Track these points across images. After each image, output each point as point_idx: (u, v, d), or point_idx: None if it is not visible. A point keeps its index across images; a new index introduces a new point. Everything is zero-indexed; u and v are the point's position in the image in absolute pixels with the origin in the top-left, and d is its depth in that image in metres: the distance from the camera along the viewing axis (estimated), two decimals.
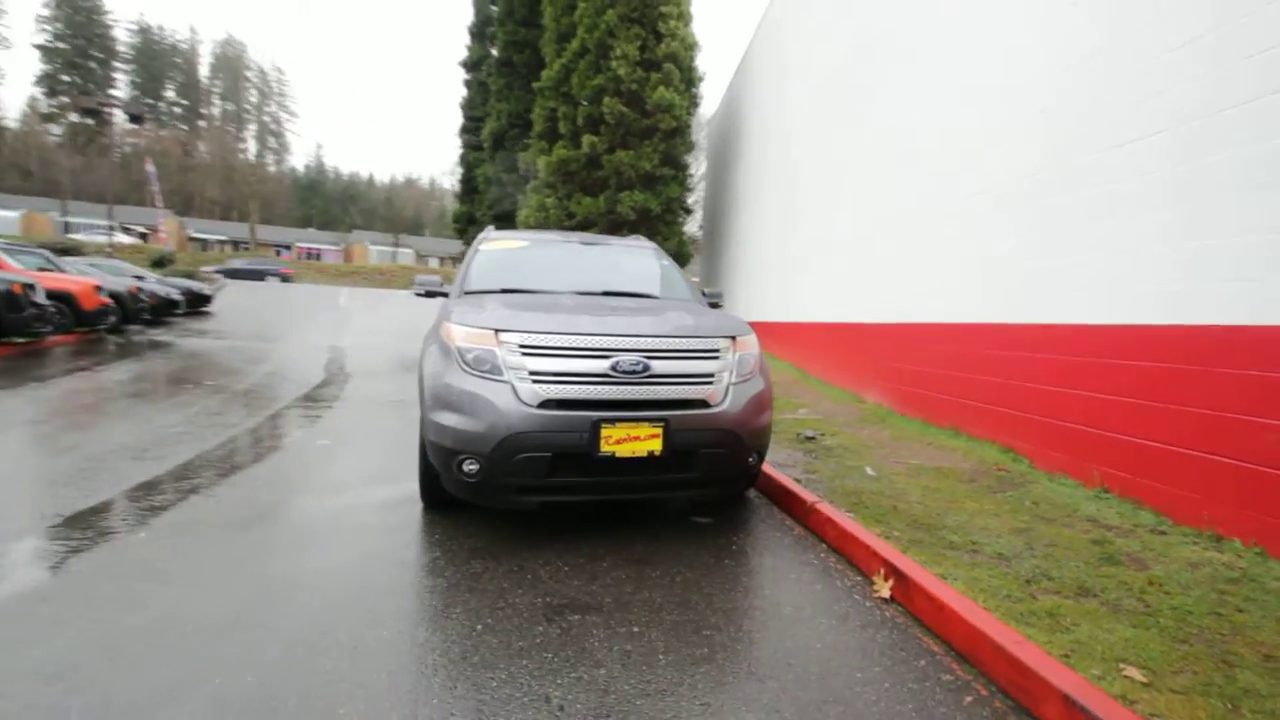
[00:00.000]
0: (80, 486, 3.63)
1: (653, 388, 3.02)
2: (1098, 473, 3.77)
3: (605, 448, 2.88)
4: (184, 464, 4.20)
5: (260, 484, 3.91)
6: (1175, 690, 1.90)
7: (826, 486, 3.94)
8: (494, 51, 21.97)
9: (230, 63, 61.07)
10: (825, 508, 3.41)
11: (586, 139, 14.32)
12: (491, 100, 18.79)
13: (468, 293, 4.04)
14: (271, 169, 59.08)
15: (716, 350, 3.23)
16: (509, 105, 18.04)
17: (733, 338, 3.33)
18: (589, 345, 3.00)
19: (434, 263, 55.41)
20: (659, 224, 14.95)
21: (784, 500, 3.81)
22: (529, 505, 3.16)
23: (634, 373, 2.98)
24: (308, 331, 14.26)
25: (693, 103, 15.01)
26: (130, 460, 4.21)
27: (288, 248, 34.75)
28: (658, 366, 3.03)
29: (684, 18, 14.73)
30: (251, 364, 9.16)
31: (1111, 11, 3.91)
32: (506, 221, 18.47)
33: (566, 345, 2.99)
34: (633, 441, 2.91)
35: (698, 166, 19.77)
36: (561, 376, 2.95)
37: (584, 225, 14.60)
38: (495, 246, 4.60)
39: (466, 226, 22.16)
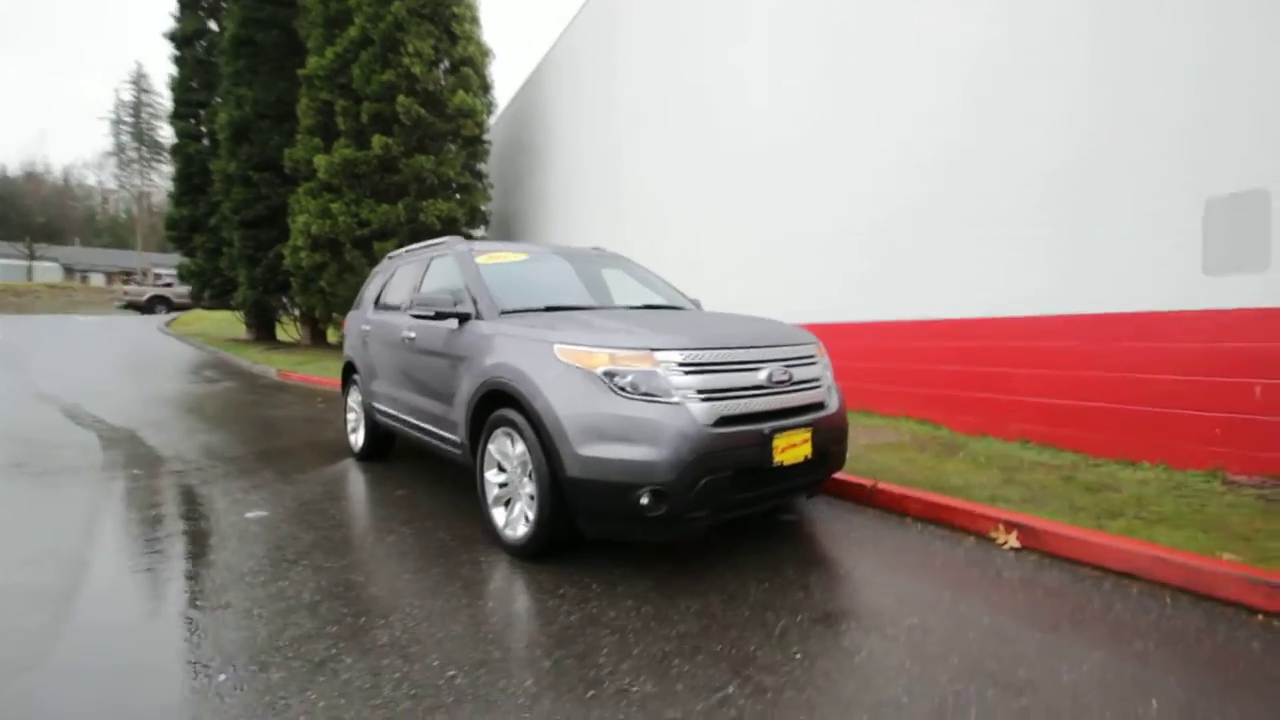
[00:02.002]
0: None
1: (794, 395, 3.14)
2: (1016, 429, 4.94)
3: (777, 457, 2.92)
4: (105, 576, 2.92)
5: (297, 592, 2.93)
6: (1260, 562, 2.75)
7: None
8: (213, 25, 18.26)
9: None
10: (889, 486, 3.89)
11: (378, 139, 12.91)
12: (226, 84, 15.52)
13: (505, 312, 3.59)
14: None
15: (814, 356, 3.46)
16: (254, 91, 15.15)
17: (815, 343, 3.59)
18: (746, 359, 3.00)
19: (99, 279, 43.22)
20: (463, 234, 14.20)
21: (829, 487, 4.18)
22: (695, 531, 3.00)
23: (782, 382, 3.07)
24: None
25: (488, 110, 14.59)
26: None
27: None
28: (796, 373, 3.16)
29: (476, 22, 14.25)
30: None
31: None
32: (259, 228, 15.52)
33: (728, 360, 2.95)
34: (793, 449, 3.00)
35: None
36: (730, 392, 2.90)
37: (382, 235, 13.17)
38: (495, 260, 4.12)
39: (189, 234, 17.92)
